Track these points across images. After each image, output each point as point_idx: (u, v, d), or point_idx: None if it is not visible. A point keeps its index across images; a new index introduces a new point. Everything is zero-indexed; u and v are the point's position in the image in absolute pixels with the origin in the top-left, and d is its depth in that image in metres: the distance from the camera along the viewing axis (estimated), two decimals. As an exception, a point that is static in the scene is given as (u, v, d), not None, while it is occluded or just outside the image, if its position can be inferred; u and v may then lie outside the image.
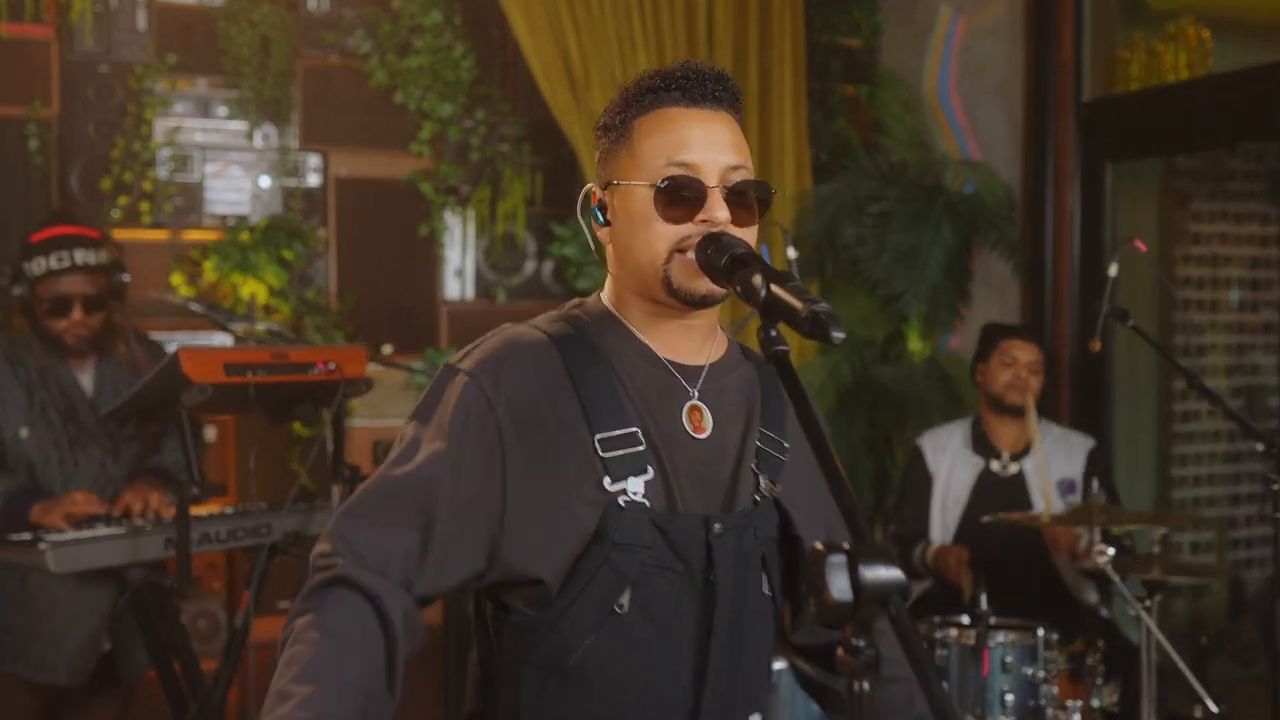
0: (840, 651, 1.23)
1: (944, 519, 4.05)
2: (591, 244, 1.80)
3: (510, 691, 1.68)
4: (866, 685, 1.22)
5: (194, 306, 3.68)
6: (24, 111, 4.44)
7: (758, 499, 1.73)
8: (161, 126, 4.65)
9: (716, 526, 1.67)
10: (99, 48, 4.56)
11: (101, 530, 3.22)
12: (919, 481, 4.12)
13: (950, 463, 4.09)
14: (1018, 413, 3.97)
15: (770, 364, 1.50)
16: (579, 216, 1.79)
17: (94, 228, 3.80)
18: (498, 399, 1.65)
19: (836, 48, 5.54)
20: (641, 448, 1.67)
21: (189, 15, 4.70)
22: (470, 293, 5.11)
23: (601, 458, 1.65)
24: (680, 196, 1.66)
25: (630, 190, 1.69)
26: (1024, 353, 4.01)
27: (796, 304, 1.45)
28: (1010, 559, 3.79)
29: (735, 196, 1.67)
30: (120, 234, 4.52)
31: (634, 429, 1.67)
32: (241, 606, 3.32)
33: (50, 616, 3.48)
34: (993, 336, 4.15)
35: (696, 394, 1.72)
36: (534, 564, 1.65)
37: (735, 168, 1.68)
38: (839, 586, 1.20)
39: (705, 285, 1.64)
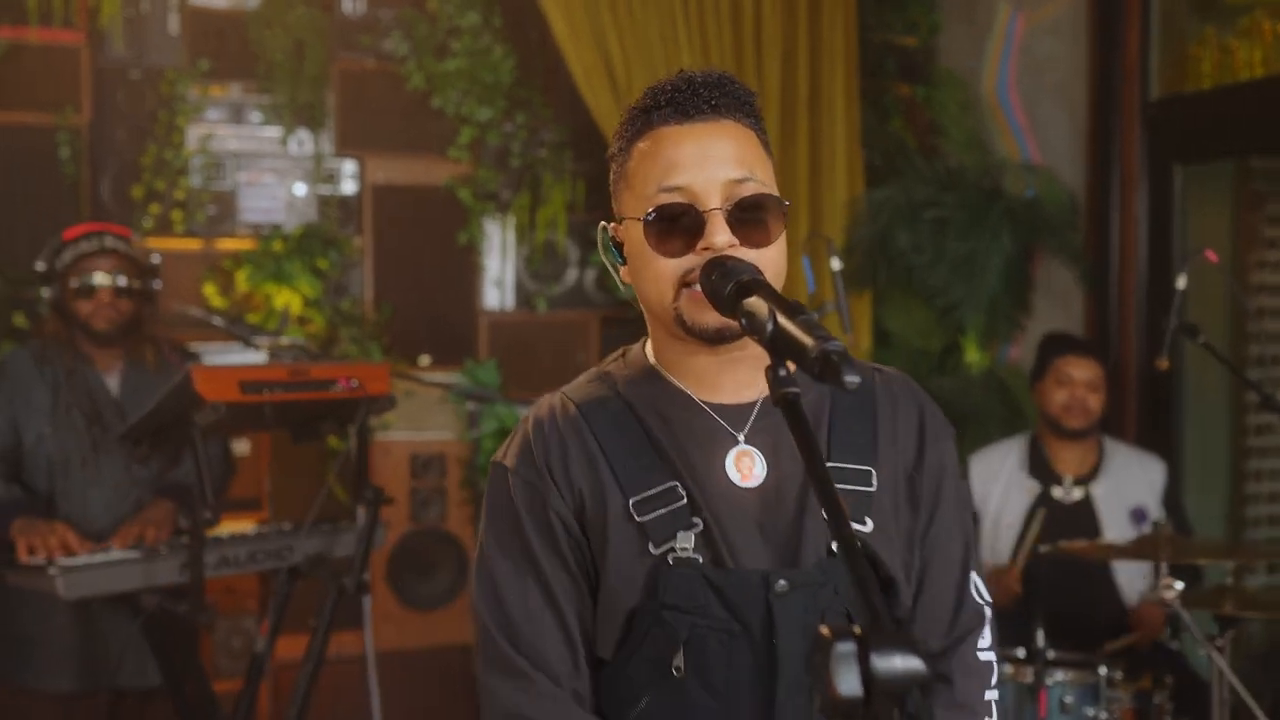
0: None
1: (995, 545, 3.82)
2: (620, 286, 1.63)
3: None
4: (883, 795, 1.04)
5: (216, 321, 3.56)
6: (54, 119, 4.36)
7: (834, 548, 1.53)
8: (194, 133, 4.55)
9: (780, 584, 1.49)
10: (130, 53, 4.47)
11: (115, 554, 3.11)
12: (964, 507, 3.90)
13: (1004, 486, 3.86)
14: (1078, 435, 3.75)
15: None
16: (601, 256, 1.62)
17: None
18: (546, 486, 1.55)
19: (891, 46, 5.33)
20: (682, 501, 1.52)
21: (221, 19, 4.60)
22: (510, 302, 4.96)
23: (638, 523, 1.51)
24: (673, 226, 1.49)
25: (630, 226, 1.54)
26: (1080, 370, 3.77)
27: (806, 340, 1.26)
28: (1071, 589, 3.57)
29: (743, 214, 1.49)
30: (152, 243, 4.44)
31: (672, 484, 1.53)
32: (262, 632, 3.21)
33: (66, 626, 3.37)
34: (1048, 352, 3.91)
35: (743, 437, 1.56)
36: (594, 641, 1.56)
37: (740, 181, 1.50)
38: (847, 681, 1.03)
39: (716, 318, 1.46)
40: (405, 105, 4.76)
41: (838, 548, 1.18)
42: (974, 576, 1.64)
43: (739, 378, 1.57)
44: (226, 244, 4.62)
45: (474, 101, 4.78)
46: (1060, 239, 4.70)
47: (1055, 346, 3.96)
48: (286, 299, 4.53)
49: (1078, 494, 3.78)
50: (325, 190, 4.70)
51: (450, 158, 4.81)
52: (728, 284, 1.40)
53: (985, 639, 1.63)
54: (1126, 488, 3.73)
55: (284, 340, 3.51)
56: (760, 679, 1.49)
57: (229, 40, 4.59)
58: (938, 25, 5.39)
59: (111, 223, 4.12)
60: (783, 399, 1.26)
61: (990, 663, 1.63)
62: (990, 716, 1.61)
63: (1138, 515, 3.70)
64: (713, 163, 1.49)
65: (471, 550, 4.73)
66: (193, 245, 4.57)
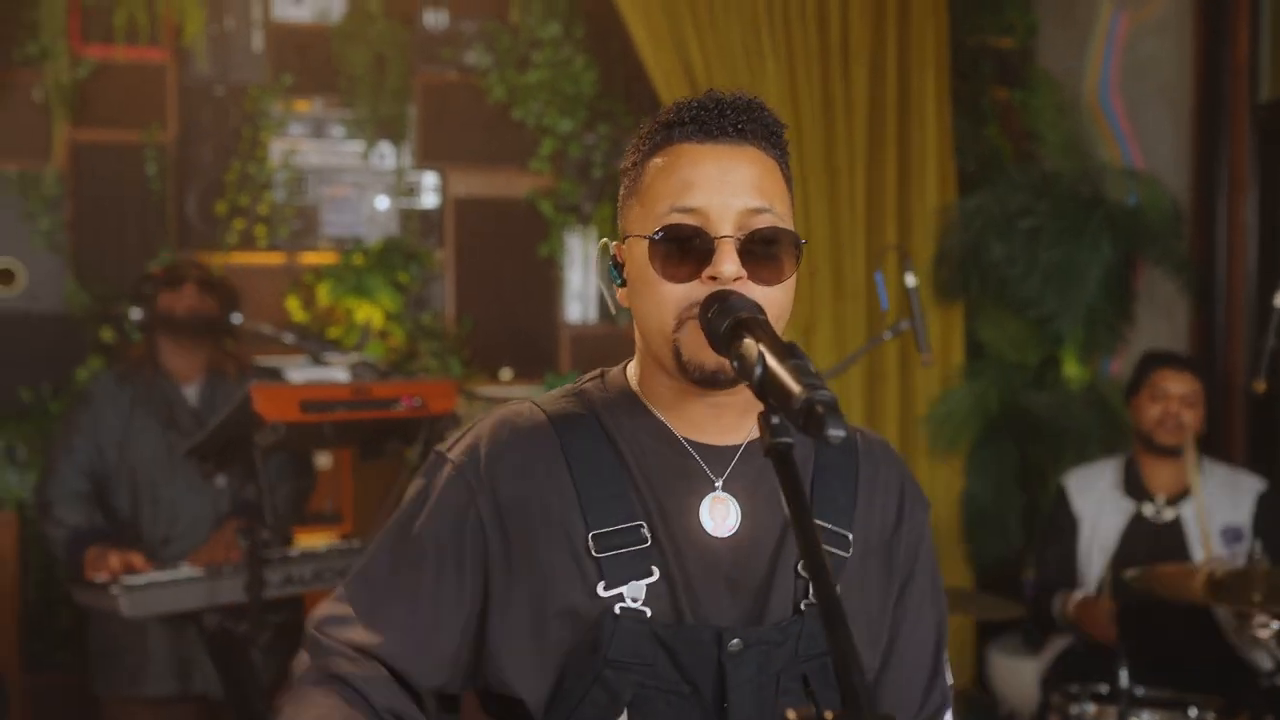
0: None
1: (1088, 567, 3.65)
2: (612, 308, 1.54)
3: None
4: None
5: (286, 338, 3.56)
6: (141, 136, 4.42)
7: (802, 607, 1.43)
8: (277, 148, 4.58)
9: (733, 643, 1.38)
10: (215, 70, 4.52)
11: (178, 573, 3.11)
12: (1062, 524, 3.73)
13: (1098, 505, 3.68)
14: (1172, 453, 3.55)
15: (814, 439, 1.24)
16: (598, 277, 1.53)
17: (210, 251, 4.05)
18: (480, 488, 1.43)
19: (987, 49, 5.15)
20: (645, 545, 1.40)
21: (304, 35, 4.62)
22: (592, 315, 4.90)
23: (595, 558, 1.39)
24: (682, 250, 1.38)
25: (636, 244, 1.43)
26: (1176, 384, 3.57)
27: (794, 387, 1.16)
28: (1164, 616, 3.38)
29: (755, 246, 1.38)
30: (236, 258, 4.48)
31: (638, 523, 1.41)
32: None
33: (159, 635, 3.42)
34: (1145, 365, 3.73)
35: (722, 483, 1.44)
36: (516, 680, 1.42)
37: (757, 211, 1.39)
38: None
39: (714, 358, 1.34)
40: (486, 118, 4.73)
41: (823, 617, 1.07)
42: (944, 658, 1.56)
43: (724, 421, 1.46)
44: (309, 258, 4.64)
45: (555, 113, 4.74)
46: (1163, 247, 4.48)
47: (1153, 359, 3.78)
48: (368, 313, 4.53)
49: (1169, 514, 3.58)
50: (407, 204, 4.69)
51: (531, 170, 4.77)
52: (724, 320, 1.30)
53: (951, 713, 1.56)
54: (1219, 507, 3.53)
55: (354, 358, 3.47)
56: None
57: (311, 56, 4.61)
58: (1035, 26, 5.20)
59: (196, 239, 4.32)
60: (774, 449, 1.16)
61: None
62: None
63: (1230, 535, 3.50)
64: (731, 187, 1.39)
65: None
66: (276, 259, 4.60)
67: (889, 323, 3.31)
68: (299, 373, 3.83)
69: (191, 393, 3.54)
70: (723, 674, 1.38)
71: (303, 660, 1.48)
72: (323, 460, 4.44)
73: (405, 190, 4.68)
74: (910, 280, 3.24)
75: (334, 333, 4.52)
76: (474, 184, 4.77)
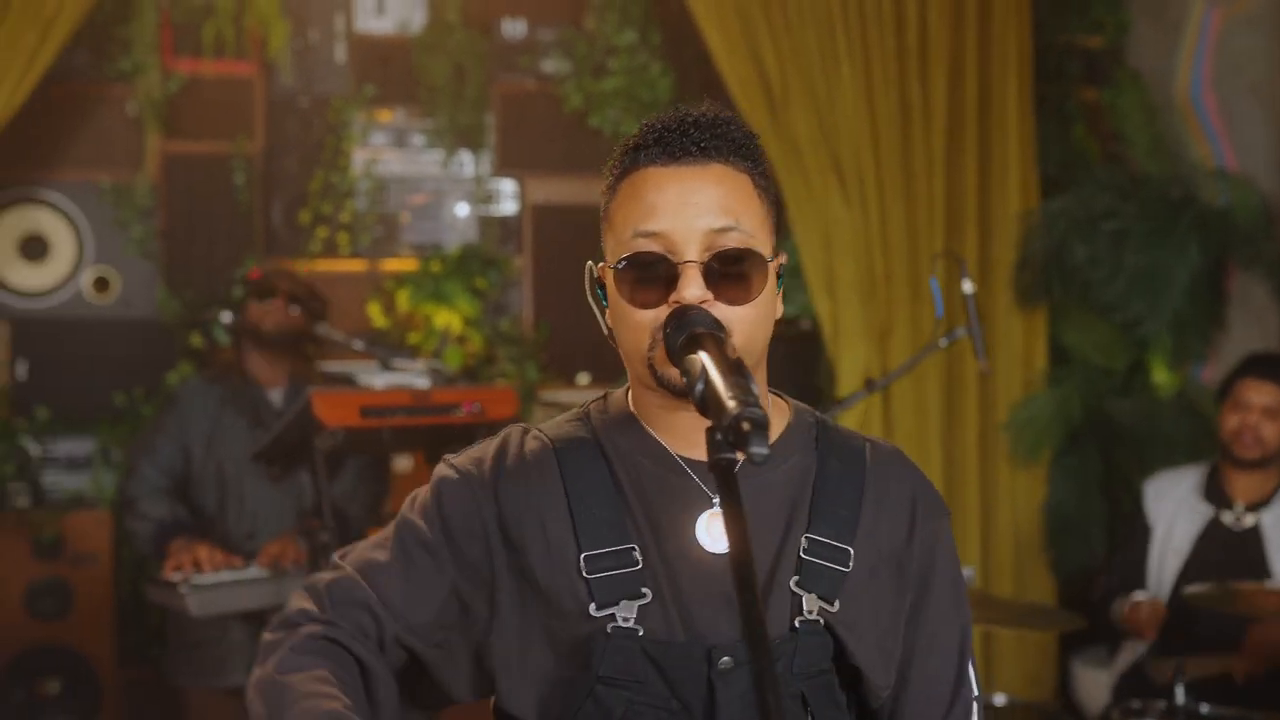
0: None
1: (1160, 573, 3.56)
2: (604, 329, 1.54)
3: None
4: None
5: (356, 344, 3.65)
6: (229, 147, 4.56)
7: (797, 624, 1.43)
8: (359, 158, 4.69)
9: (723, 661, 1.39)
10: (299, 82, 4.65)
11: (245, 573, 3.21)
12: (1134, 528, 3.67)
13: (1174, 509, 3.59)
14: (1249, 465, 3.44)
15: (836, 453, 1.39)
16: (588, 298, 1.54)
17: (295, 259, 4.31)
18: (485, 498, 1.47)
19: (1074, 48, 5.04)
20: (636, 567, 1.42)
21: (386, 47, 4.72)
22: (670, 321, 4.91)
23: (586, 579, 1.41)
24: (646, 276, 1.40)
25: (607, 271, 1.45)
26: (1258, 394, 3.46)
27: (727, 403, 1.17)
28: (1234, 627, 3.27)
29: (721, 267, 1.39)
30: (320, 265, 4.59)
31: (630, 546, 1.43)
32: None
33: (235, 627, 3.55)
34: (1233, 373, 3.63)
35: (718, 500, 1.45)
36: (511, 694, 1.45)
37: (723, 230, 1.40)
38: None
39: (678, 373, 1.35)
40: (564, 125, 4.78)
41: (744, 637, 1.08)
42: (970, 664, 1.54)
43: None
44: (390, 265, 4.73)
45: (632, 119, 4.76)
46: (1254, 250, 4.35)
47: (1240, 368, 3.67)
48: (446, 319, 4.61)
49: (1249, 520, 3.48)
50: (486, 211, 4.76)
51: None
52: (680, 336, 1.31)
53: None
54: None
55: (420, 363, 3.54)
56: None
57: (393, 67, 4.71)
58: (1126, 24, 5.07)
59: (281, 247, 4.49)
60: (716, 465, 1.17)
61: None
62: None
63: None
64: (694, 209, 1.40)
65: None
66: (358, 267, 4.71)
67: (943, 332, 3.26)
68: (373, 378, 3.92)
69: (276, 395, 3.69)
70: (712, 691, 1.39)
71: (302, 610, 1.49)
72: (402, 464, 4.53)
73: (484, 198, 4.76)
74: (967, 287, 3.20)
75: (413, 338, 4.60)
76: (552, 191, 4.82)
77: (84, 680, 4.45)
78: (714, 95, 4.75)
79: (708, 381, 1.21)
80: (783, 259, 1.50)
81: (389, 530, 1.52)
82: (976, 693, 1.54)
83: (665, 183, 1.42)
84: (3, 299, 4.48)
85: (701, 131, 1.43)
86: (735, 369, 1.22)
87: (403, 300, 4.63)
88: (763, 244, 1.43)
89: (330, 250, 4.66)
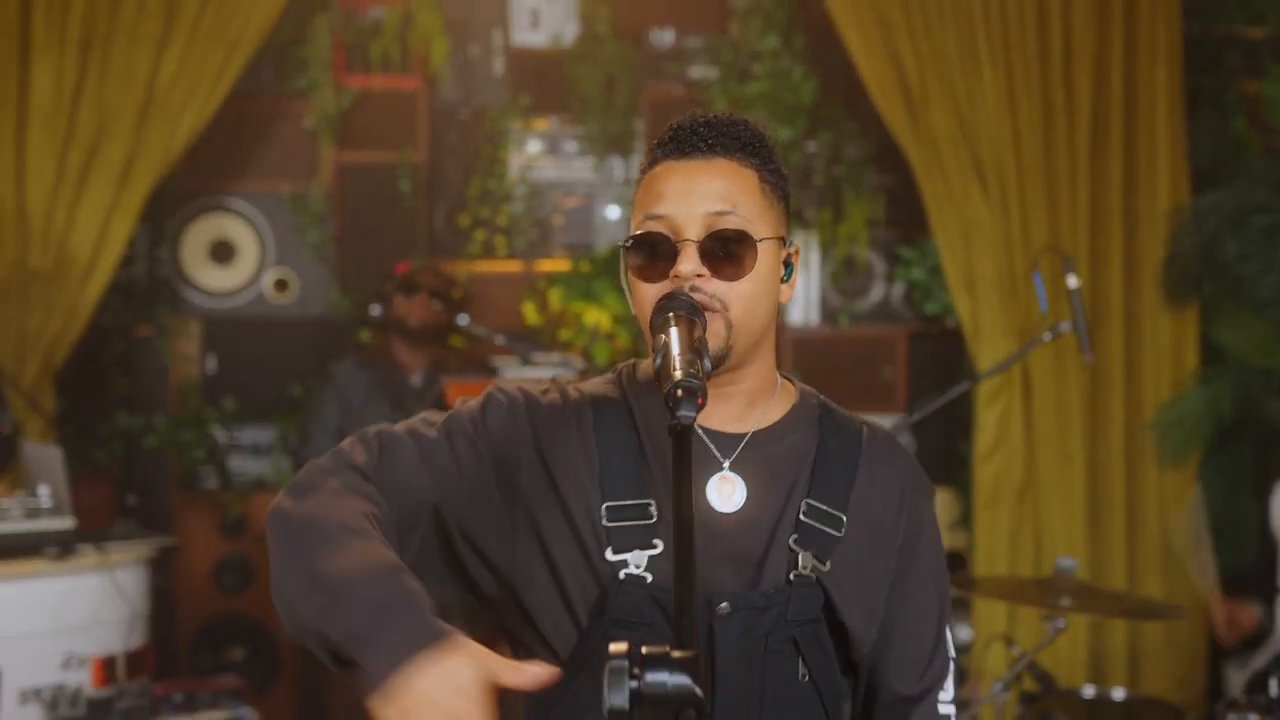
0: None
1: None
2: (631, 308, 1.69)
3: None
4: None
5: (498, 339, 3.90)
6: (396, 156, 4.88)
7: (792, 578, 1.58)
8: (515, 164, 4.95)
9: (722, 606, 1.54)
10: (460, 95, 4.94)
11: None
12: (1268, 534, 3.60)
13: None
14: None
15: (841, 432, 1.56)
16: (622, 280, 1.70)
17: (455, 260, 4.63)
18: (527, 423, 1.60)
19: (1234, 39, 4.93)
20: (651, 520, 1.57)
21: (540, 59, 4.97)
22: (815, 318, 5.01)
23: (605, 527, 1.57)
24: (651, 254, 1.56)
25: (624, 252, 1.61)
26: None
27: (673, 373, 1.33)
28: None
29: (716, 245, 1.54)
30: (478, 266, 4.87)
31: (647, 501, 1.58)
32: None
33: None
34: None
35: (729, 464, 1.61)
36: (537, 610, 1.59)
37: (721, 213, 1.55)
38: (616, 694, 1.10)
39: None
40: (710, 129, 4.93)
41: (675, 577, 1.23)
42: (947, 632, 1.69)
43: (731, 409, 1.62)
44: (545, 265, 4.98)
45: (776, 122, 4.89)
46: None
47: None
48: (595, 316, 4.82)
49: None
50: (636, 213, 4.96)
51: (754, 178, 4.94)
52: (659, 315, 1.47)
53: (948, 691, 1.67)
54: None
55: (555, 357, 3.77)
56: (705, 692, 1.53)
57: (547, 78, 4.96)
58: (1291, 11, 4.93)
59: (442, 249, 4.83)
60: (671, 429, 1.31)
61: (949, 715, 1.67)
62: None
63: None
64: (696, 196, 1.55)
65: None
66: (513, 267, 4.97)
67: (1046, 326, 3.29)
68: (515, 370, 4.17)
69: (417, 379, 4.09)
70: (712, 634, 1.54)
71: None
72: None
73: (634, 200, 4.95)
74: (1072, 282, 3.22)
75: (564, 335, 4.83)
76: (699, 193, 4.98)
77: (264, 648, 4.84)
78: (856, 98, 4.86)
79: (665, 354, 1.37)
80: (794, 250, 1.64)
81: (437, 418, 1.64)
82: (953, 655, 1.68)
83: (674, 174, 1.58)
84: (195, 299, 4.90)
85: (710, 131, 1.59)
86: (695, 348, 1.37)
87: (554, 299, 4.87)
88: (761, 230, 1.57)
89: (488, 252, 4.93)
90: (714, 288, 1.53)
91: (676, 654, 1.12)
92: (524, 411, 1.61)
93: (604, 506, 1.57)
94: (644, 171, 1.65)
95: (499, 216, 4.93)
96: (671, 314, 1.46)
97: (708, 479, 1.60)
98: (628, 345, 4.87)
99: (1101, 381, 4.57)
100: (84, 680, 3.35)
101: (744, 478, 1.60)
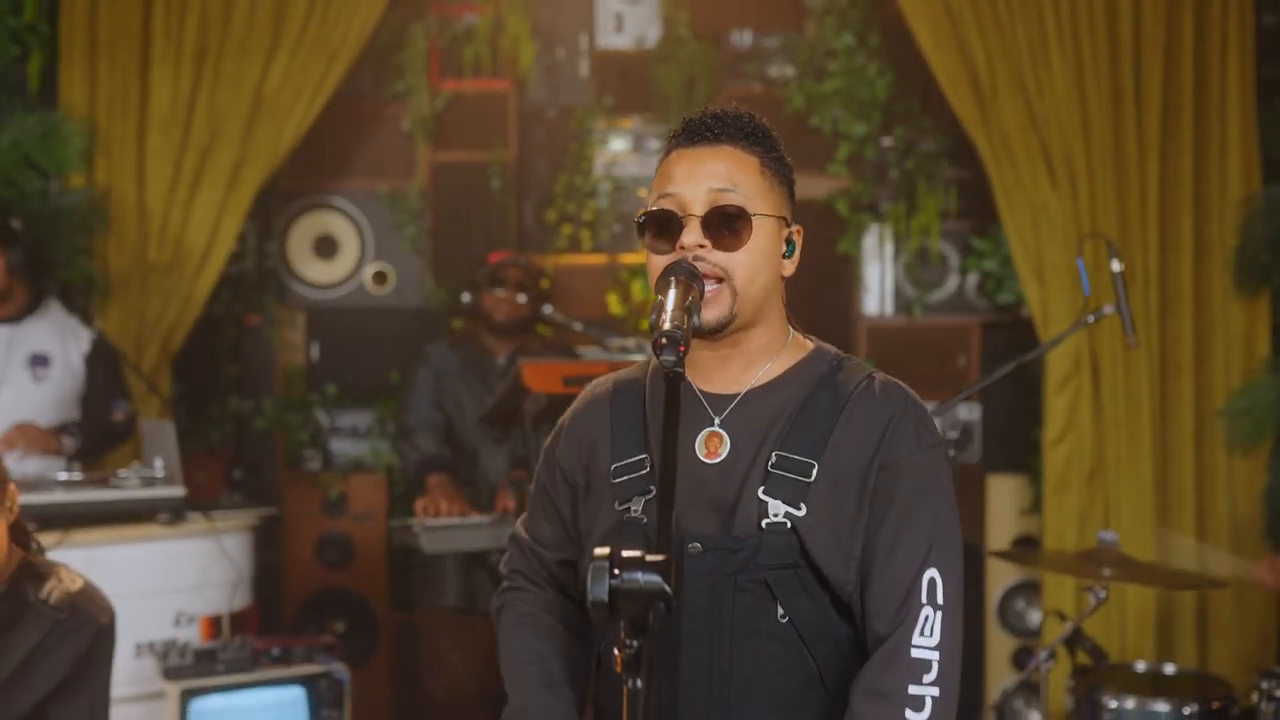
0: (616, 650, 1.32)
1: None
2: (649, 279, 1.93)
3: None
4: (639, 683, 1.30)
5: (576, 326, 4.13)
6: (487, 155, 5.14)
7: (763, 525, 1.74)
8: (600, 162, 5.18)
9: (693, 546, 1.74)
10: (547, 95, 5.19)
11: (470, 519, 3.75)
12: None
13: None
14: None
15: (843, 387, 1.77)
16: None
17: (543, 254, 4.93)
18: (570, 437, 1.94)
19: (1313, 29, 4.94)
20: (645, 471, 1.80)
21: (624, 60, 5.19)
22: (890, 309, 5.16)
23: (612, 484, 1.82)
24: (660, 229, 1.77)
25: (638, 228, 1.83)
26: None
27: (659, 325, 1.53)
28: None
29: (716, 219, 1.74)
30: (565, 259, 5.11)
31: (643, 455, 1.82)
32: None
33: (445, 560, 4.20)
34: None
35: (718, 421, 1.80)
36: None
37: (722, 191, 1.74)
38: (596, 589, 1.30)
39: None
40: (786, 125, 5.10)
41: (658, 503, 1.43)
42: (929, 576, 1.73)
43: (730, 372, 1.83)
44: (628, 258, 5.20)
45: (851, 118, 5.04)
46: None
47: None
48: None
49: None
50: (714, 207, 5.15)
51: (829, 173, 5.11)
52: (665, 278, 1.67)
53: (929, 636, 1.71)
54: None
55: (631, 343, 3.98)
56: (675, 621, 1.74)
57: (630, 78, 5.18)
58: (1369, 2, 4.93)
59: (531, 243, 5.09)
60: (665, 377, 1.53)
61: (928, 660, 1.70)
62: (919, 711, 1.68)
63: None
64: (700, 177, 1.77)
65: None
66: (598, 260, 5.20)
67: (1090, 309, 3.41)
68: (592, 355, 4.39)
69: (502, 360, 4.37)
70: (682, 571, 1.73)
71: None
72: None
73: (720, 195, 5.15)
74: (1115, 266, 3.33)
75: (645, 324, 5.04)
76: (776, 187, 5.15)
77: (364, 620, 5.13)
78: (931, 93, 4.99)
79: (659, 310, 1.58)
80: (795, 230, 1.85)
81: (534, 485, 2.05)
82: (940, 602, 1.72)
83: (683, 159, 1.80)
84: (300, 291, 5.23)
85: (716, 122, 1.81)
86: (686, 307, 1.58)
87: (637, 290, 5.09)
88: (759, 208, 1.77)
89: (574, 245, 5.17)
90: (716, 257, 1.74)
91: (650, 558, 1.33)
92: (568, 430, 1.95)
93: (612, 468, 1.83)
94: (661, 160, 1.85)
95: (584, 211, 5.16)
96: (672, 277, 1.67)
97: (697, 434, 1.80)
98: (707, 334, 5.07)
99: (1171, 368, 4.64)
100: (193, 636, 3.66)
101: (730, 433, 1.79)
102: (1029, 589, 4.92)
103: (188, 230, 4.67)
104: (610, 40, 5.21)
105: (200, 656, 3.48)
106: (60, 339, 4.10)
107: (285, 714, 3.49)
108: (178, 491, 3.71)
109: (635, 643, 1.29)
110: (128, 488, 3.65)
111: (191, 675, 3.44)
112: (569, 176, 5.16)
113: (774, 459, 1.76)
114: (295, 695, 3.51)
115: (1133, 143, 4.60)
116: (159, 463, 3.75)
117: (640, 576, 1.31)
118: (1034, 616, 4.89)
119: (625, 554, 1.32)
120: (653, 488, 1.77)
